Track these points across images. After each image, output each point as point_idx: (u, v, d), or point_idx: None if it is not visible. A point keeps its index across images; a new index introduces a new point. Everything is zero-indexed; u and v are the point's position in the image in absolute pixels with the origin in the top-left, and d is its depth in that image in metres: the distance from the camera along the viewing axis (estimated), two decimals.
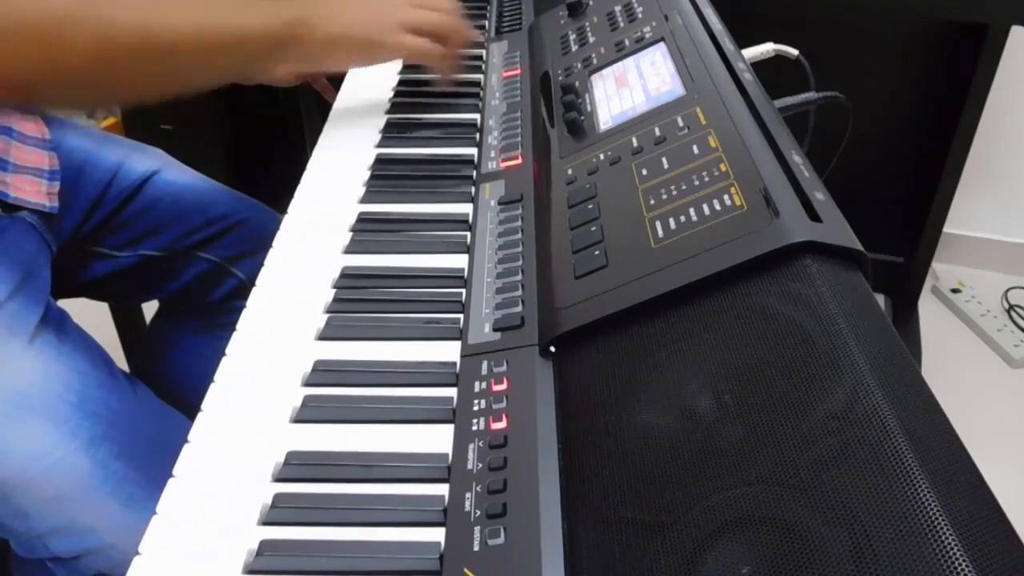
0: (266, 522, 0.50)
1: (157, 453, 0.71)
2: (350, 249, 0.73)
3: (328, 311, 0.66)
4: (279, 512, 0.50)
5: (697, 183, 0.60)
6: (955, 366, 1.69)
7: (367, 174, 0.83)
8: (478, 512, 0.49)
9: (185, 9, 0.72)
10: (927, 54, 1.62)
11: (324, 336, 0.63)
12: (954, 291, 1.84)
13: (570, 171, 0.72)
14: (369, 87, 0.99)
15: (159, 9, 0.70)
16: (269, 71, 0.86)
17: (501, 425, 0.54)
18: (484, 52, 1.06)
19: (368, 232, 0.75)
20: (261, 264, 0.71)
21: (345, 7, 0.83)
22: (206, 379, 0.59)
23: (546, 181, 0.74)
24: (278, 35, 0.77)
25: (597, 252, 0.60)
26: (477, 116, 0.92)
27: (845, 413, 0.42)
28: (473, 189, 0.80)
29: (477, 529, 0.48)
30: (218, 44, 0.74)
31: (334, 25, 0.81)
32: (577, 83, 0.84)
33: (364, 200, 0.79)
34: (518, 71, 0.98)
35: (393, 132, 0.90)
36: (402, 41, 0.85)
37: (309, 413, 0.57)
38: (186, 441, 0.55)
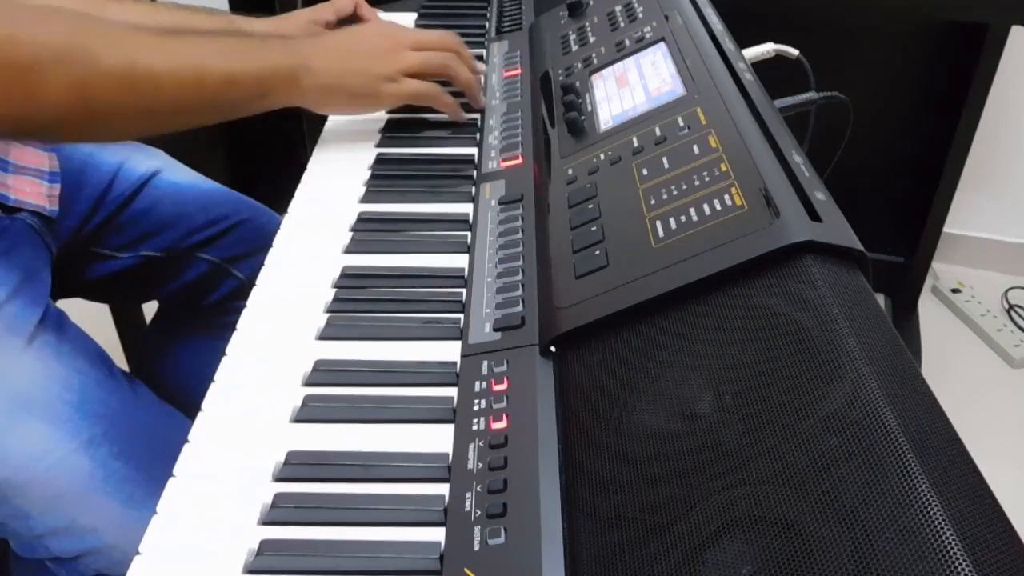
0: (266, 522, 0.50)
1: (157, 452, 0.71)
2: (350, 249, 0.73)
3: (328, 311, 0.66)
4: (279, 512, 0.50)
5: (698, 183, 0.60)
6: (955, 366, 1.69)
7: (367, 174, 0.83)
8: (478, 512, 0.49)
9: (174, 51, 0.70)
10: (927, 54, 1.62)
11: (324, 336, 0.63)
12: (954, 291, 1.84)
13: (570, 171, 0.72)
14: None
15: (146, 49, 0.68)
16: (256, 112, 0.79)
17: (501, 425, 0.53)
18: (484, 52, 1.06)
19: (368, 232, 0.75)
20: (261, 264, 0.71)
21: (339, 56, 0.80)
22: (206, 379, 0.59)
23: (546, 181, 0.74)
24: (266, 81, 0.75)
25: (597, 252, 0.60)
26: (477, 116, 0.92)
27: (845, 413, 0.42)
28: (473, 189, 0.79)
29: (477, 529, 0.48)
30: (205, 87, 0.71)
31: (325, 75, 0.78)
32: (577, 83, 0.84)
33: (364, 200, 0.79)
34: (518, 71, 0.98)
35: (394, 131, 0.90)
36: (400, 90, 0.82)
37: (309, 413, 0.57)
38: (186, 441, 0.55)
